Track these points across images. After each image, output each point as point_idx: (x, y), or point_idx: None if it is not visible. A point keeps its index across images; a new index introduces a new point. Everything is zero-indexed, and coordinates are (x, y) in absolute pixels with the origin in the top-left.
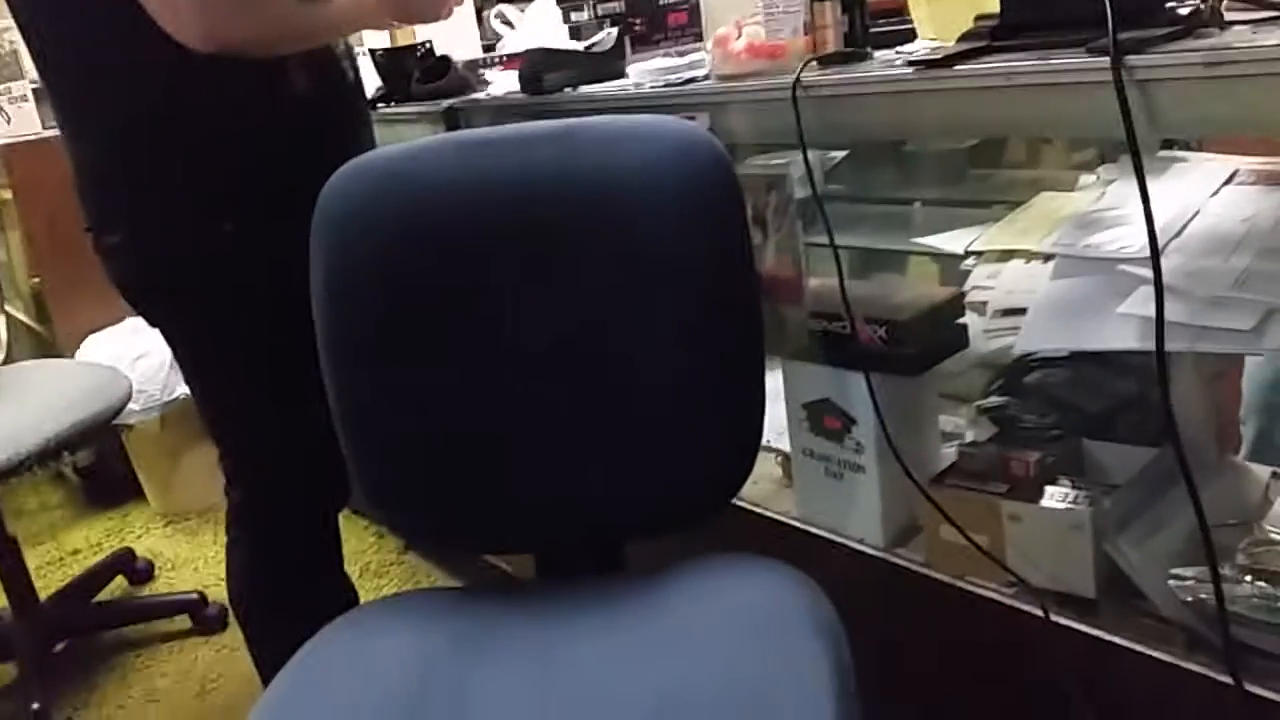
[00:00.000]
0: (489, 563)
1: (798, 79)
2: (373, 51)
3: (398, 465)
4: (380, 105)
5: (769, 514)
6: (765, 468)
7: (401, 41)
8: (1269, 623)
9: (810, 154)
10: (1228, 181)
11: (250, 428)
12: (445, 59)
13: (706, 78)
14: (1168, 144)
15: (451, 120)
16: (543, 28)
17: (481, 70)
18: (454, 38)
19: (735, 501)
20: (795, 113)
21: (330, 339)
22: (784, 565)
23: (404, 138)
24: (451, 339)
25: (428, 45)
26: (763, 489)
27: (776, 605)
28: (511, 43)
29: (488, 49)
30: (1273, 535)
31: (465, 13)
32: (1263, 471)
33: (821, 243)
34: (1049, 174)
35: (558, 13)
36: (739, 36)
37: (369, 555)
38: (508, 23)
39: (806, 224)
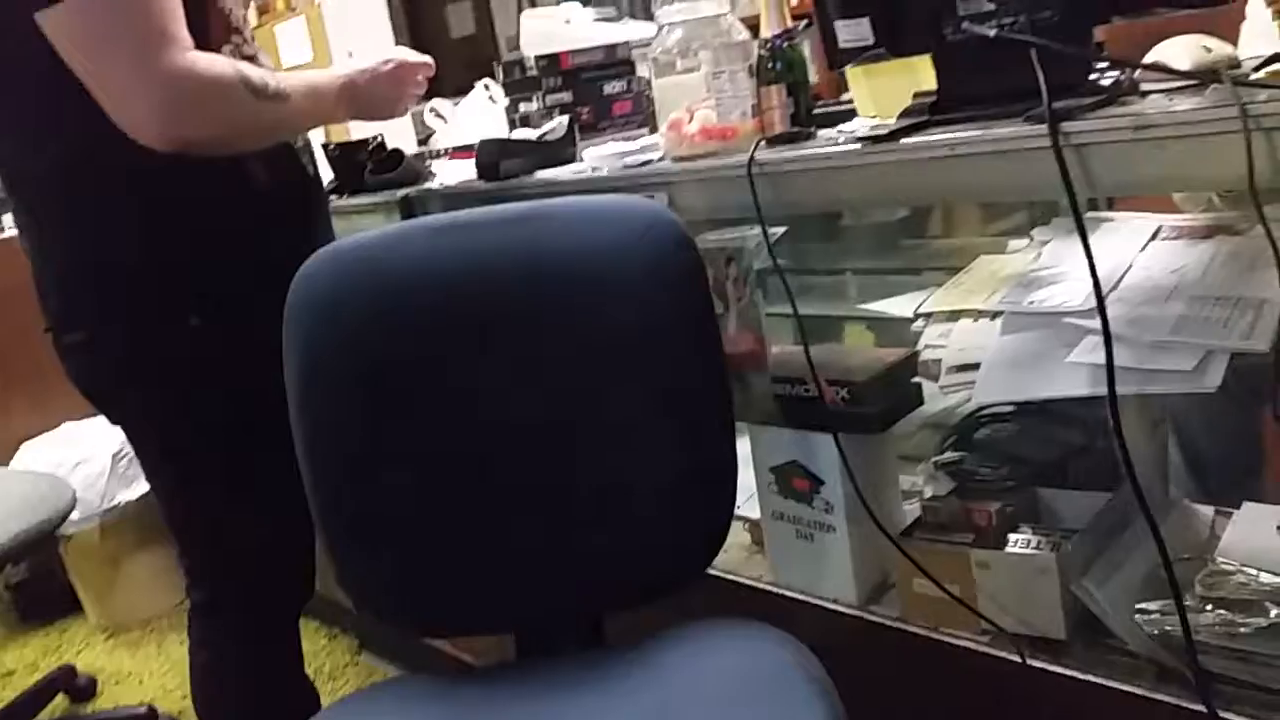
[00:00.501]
0: (451, 656)
1: (752, 157)
2: (325, 145)
3: (376, 551)
4: (333, 197)
5: (742, 580)
6: (735, 536)
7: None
8: (1232, 649)
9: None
10: (1153, 237)
11: (219, 525)
12: (398, 151)
13: (662, 159)
14: (1091, 204)
15: (408, 209)
16: (478, 120)
17: (428, 161)
18: (390, 132)
19: (708, 571)
20: (752, 189)
21: (307, 426)
22: (766, 627)
23: (360, 228)
24: (429, 422)
25: (379, 139)
26: (733, 557)
27: (768, 667)
28: (447, 135)
29: (421, 142)
30: (1225, 566)
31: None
32: (1207, 510)
33: (776, 312)
34: (975, 240)
35: (492, 105)
36: (691, 120)
37: (322, 658)
38: (441, 116)
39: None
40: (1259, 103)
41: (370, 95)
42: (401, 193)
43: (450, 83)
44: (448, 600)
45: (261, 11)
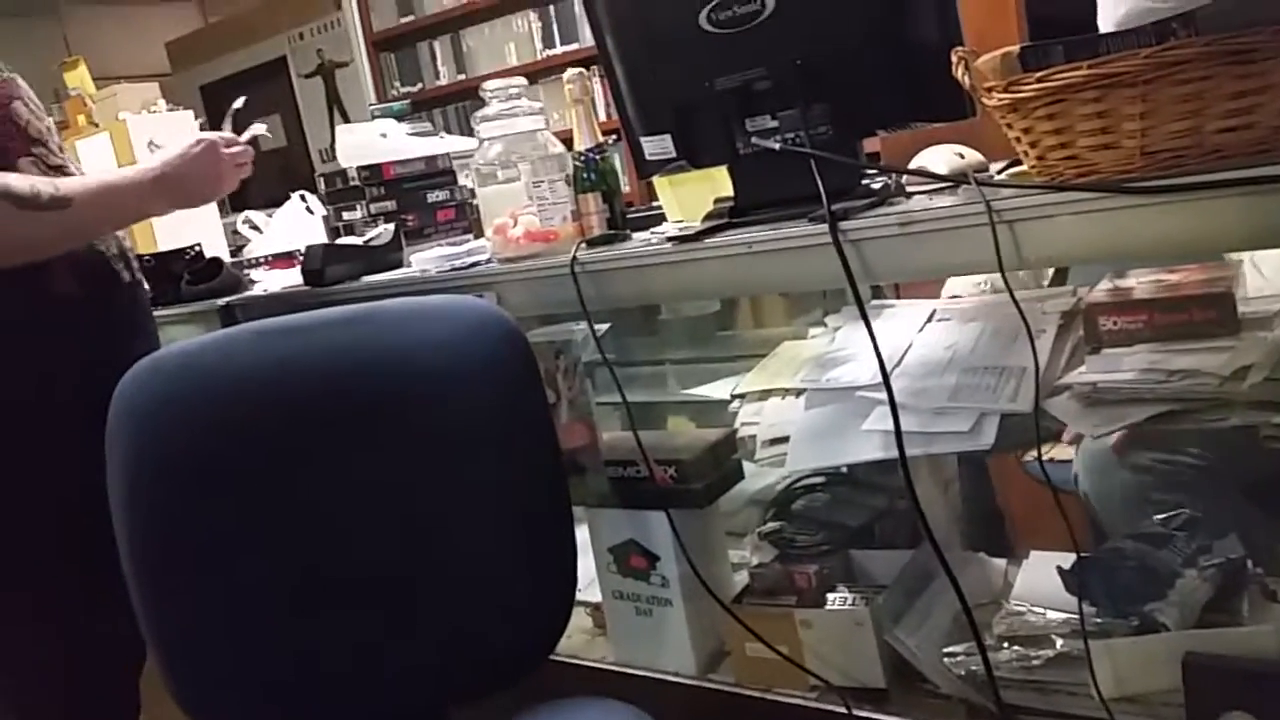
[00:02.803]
0: None
1: (574, 257)
2: (139, 256)
3: (208, 658)
4: None
5: (586, 662)
6: (577, 620)
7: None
8: (1028, 680)
9: (586, 323)
10: (929, 319)
11: (37, 656)
12: (216, 260)
13: (490, 261)
14: (875, 293)
15: (229, 318)
16: (295, 229)
17: (246, 270)
18: (203, 242)
19: (551, 657)
20: (576, 286)
21: (133, 537)
22: (612, 702)
23: (175, 338)
24: (260, 526)
25: (197, 248)
26: (576, 641)
27: None
28: (262, 245)
29: (234, 252)
30: (1017, 608)
31: (211, 219)
32: (999, 561)
33: (605, 400)
34: (780, 330)
35: (309, 215)
36: (515, 225)
37: None
38: (255, 227)
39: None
40: (1001, 199)
41: (185, 180)
42: (222, 301)
43: (262, 194)
44: (284, 707)
45: (62, 127)
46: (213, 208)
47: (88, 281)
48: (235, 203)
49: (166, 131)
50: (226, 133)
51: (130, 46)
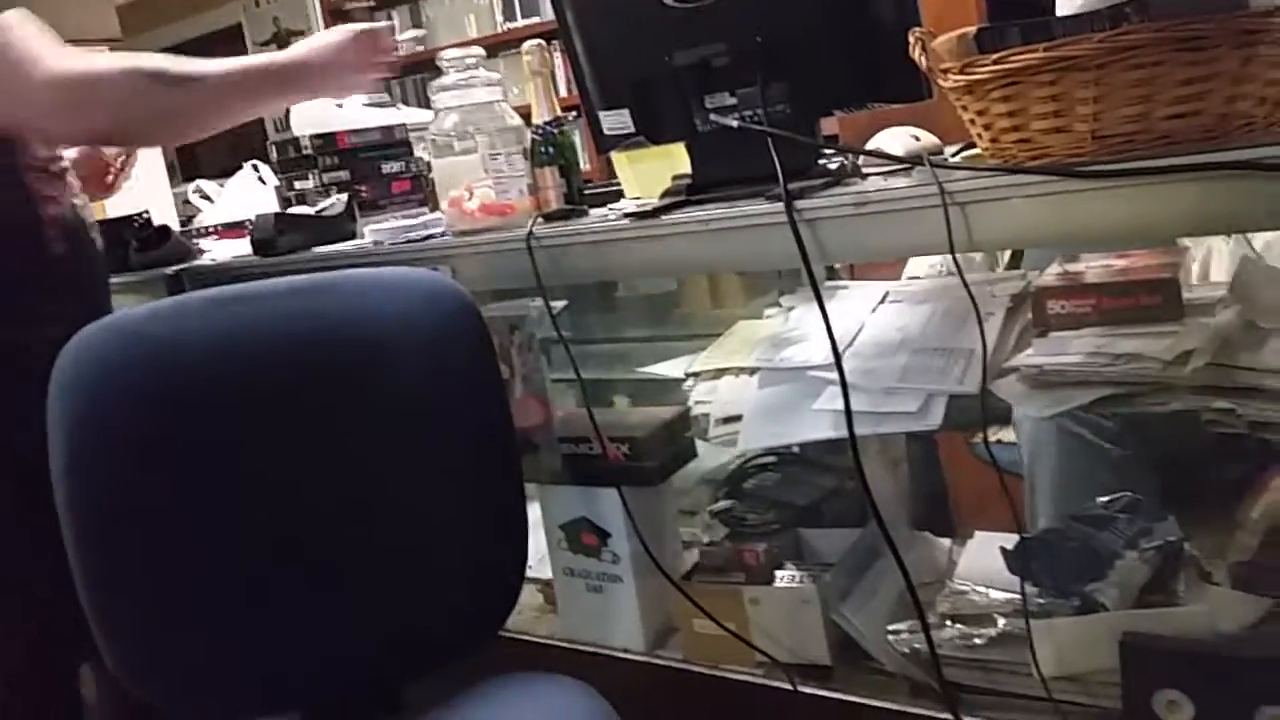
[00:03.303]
0: None
1: (530, 231)
2: None
3: (152, 634)
4: None
5: (535, 639)
6: (528, 597)
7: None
8: (970, 659)
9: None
10: (882, 301)
11: None
12: (165, 228)
13: (444, 234)
14: (830, 274)
15: (176, 286)
16: (246, 199)
17: (195, 240)
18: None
19: (501, 632)
20: (532, 261)
21: (72, 508)
22: (561, 678)
23: (122, 306)
24: (206, 498)
25: (145, 215)
26: (526, 618)
27: (564, 717)
28: (213, 214)
29: (184, 223)
30: (961, 587)
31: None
32: (945, 540)
33: (559, 377)
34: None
35: (262, 185)
36: (471, 197)
37: None
38: (206, 197)
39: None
40: (953, 181)
41: (326, 69)
42: (170, 269)
43: (214, 164)
44: (233, 682)
45: None
46: (162, 175)
47: (73, 244)
48: (186, 171)
49: None
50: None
51: (80, 10)
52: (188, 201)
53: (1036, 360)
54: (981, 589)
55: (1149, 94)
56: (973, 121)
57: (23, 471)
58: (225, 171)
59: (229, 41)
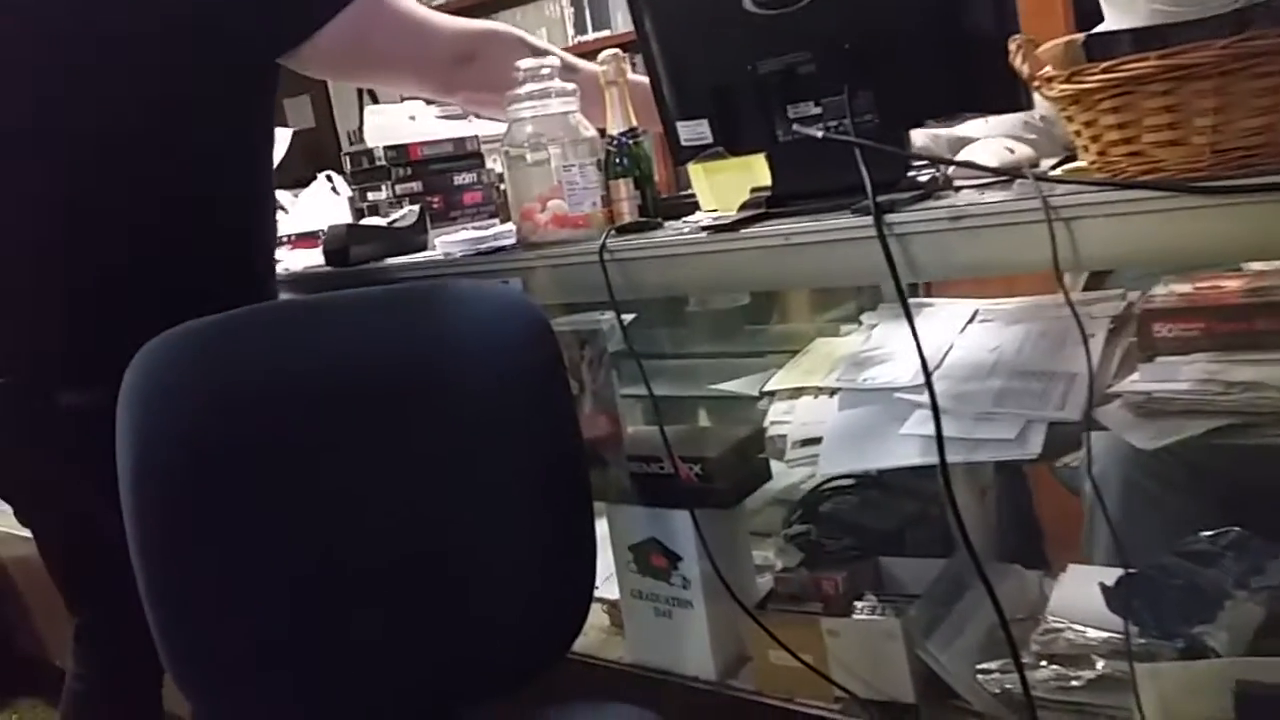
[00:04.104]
0: None
1: (604, 244)
2: None
3: (215, 653)
4: None
5: (602, 662)
6: (594, 618)
7: None
8: (1066, 702)
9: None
10: (971, 320)
11: None
12: None
13: (516, 246)
14: (912, 291)
15: None
16: (320, 210)
17: None
18: None
19: (568, 654)
20: (604, 274)
21: (140, 522)
22: (629, 707)
23: None
24: (275, 511)
25: None
26: (593, 639)
27: None
28: (287, 224)
29: None
30: (1056, 624)
31: None
32: (1034, 572)
33: (629, 393)
34: (811, 326)
35: (335, 196)
36: (543, 209)
37: None
38: (281, 207)
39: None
40: (1058, 195)
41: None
42: None
43: (289, 174)
44: (289, 698)
45: None
46: None
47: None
48: None
49: None
50: None
51: None
52: None
53: (1143, 386)
54: (1078, 627)
55: (1274, 104)
56: (1078, 133)
57: None
58: (300, 182)
59: None
